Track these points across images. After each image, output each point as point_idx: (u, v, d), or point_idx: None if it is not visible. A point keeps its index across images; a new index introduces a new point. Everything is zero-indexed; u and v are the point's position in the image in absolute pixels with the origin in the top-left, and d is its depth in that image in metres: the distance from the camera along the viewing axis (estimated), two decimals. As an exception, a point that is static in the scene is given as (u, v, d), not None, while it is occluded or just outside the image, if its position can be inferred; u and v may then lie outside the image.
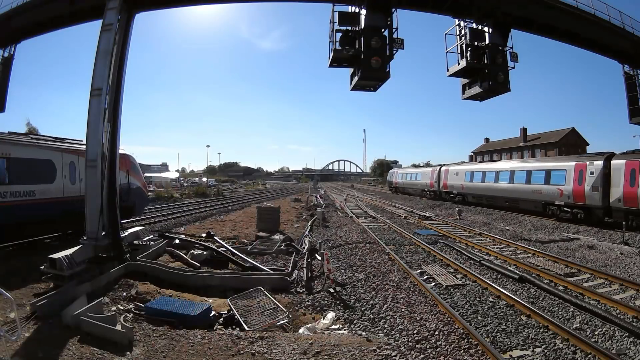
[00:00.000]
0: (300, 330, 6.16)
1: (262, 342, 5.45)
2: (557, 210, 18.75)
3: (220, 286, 8.14)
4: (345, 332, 6.14)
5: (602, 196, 15.88)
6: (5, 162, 9.69)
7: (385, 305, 7.18)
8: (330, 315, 6.74)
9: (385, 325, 6.32)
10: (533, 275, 8.95)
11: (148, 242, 10.73)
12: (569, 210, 17.89)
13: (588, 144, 49.21)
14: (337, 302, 7.46)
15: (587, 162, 17.11)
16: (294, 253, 11.32)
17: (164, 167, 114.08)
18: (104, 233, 8.77)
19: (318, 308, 7.21)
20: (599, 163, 16.41)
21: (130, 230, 10.88)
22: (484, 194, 25.60)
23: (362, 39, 8.60)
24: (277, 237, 13.64)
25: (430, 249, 12.27)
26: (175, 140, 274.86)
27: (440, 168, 33.82)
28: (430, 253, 11.85)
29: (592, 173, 16.58)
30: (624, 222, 13.49)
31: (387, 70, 8.73)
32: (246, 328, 6.07)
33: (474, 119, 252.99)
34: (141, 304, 6.83)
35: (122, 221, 11.73)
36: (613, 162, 15.77)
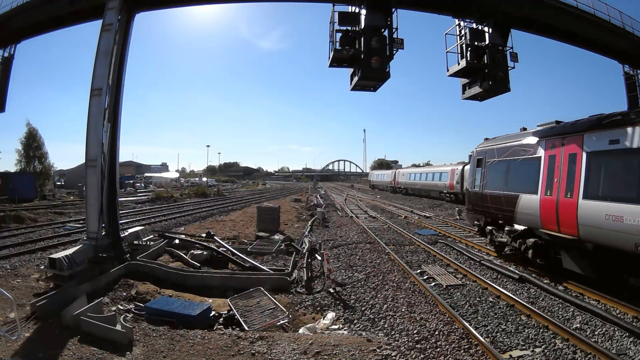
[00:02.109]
0: (300, 330, 6.16)
1: (262, 342, 5.45)
2: (444, 195, 33.09)
3: (220, 286, 8.14)
4: (345, 332, 6.14)
5: (461, 186, 26.97)
6: None
7: (385, 305, 7.18)
8: (330, 315, 6.74)
9: (385, 325, 6.32)
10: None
11: (148, 242, 10.73)
12: (449, 195, 31.91)
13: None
14: (337, 302, 7.46)
15: (455, 168, 30.92)
16: (294, 253, 11.33)
17: (164, 167, 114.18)
18: (104, 233, 8.78)
19: (318, 308, 7.21)
20: (459, 168, 29.57)
21: (130, 230, 10.90)
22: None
23: (362, 39, 8.59)
24: (277, 237, 13.64)
25: (430, 249, 12.27)
26: (175, 140, 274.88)
27: (464, 167, 28.73)
28: (430, 253, 11.86)
29: (456, 174, 29.94)
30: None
31: (387, 70, 8.72)
32: (246, 328, 6.07)
33: (474, 119, 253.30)
34: (141, 304, 6.83)
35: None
36: (465, 167, 23.14)
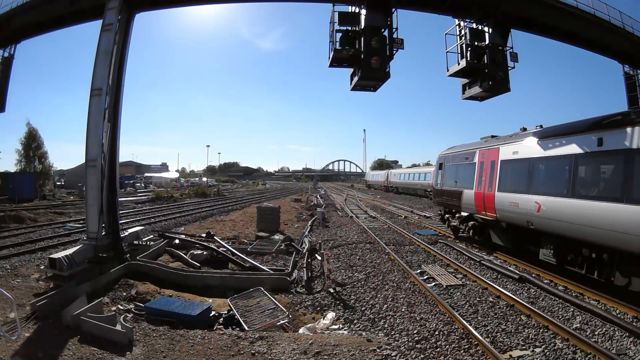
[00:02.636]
0: (300, 330, 6.17)
1: (262, 342, 5.45)
2: (428, 193, 34.38)
3: (220, 286, 8.13)
4: (345, 332, 6.14)
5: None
6: None
7: (385, 305, 7.18)
8: (330, 315, 6.74)
9: (385, 325, 6.33)
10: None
11: (148, 242, 10.73)
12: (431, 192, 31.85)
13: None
14: (337, 302, 7.46)
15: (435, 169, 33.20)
16: (294, 253, 11.32)
17: (164, 167, 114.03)
18: (104, 233, 8.78)
19: (318, 308, 7.21)
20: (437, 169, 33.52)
21: (130, 230, 10.89)
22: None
23: (362, 39, 8.58)
24: (277, 237, 13.64)
25: (430, 249, 12.28)
26: (175, 140, 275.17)
27: None
28: (430, 253, 11.86)
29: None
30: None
31: (387, 70, 8.71)
32: (246, 328, 6.07)
33: (474, 119, 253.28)
34: (141, 304, 6.83)
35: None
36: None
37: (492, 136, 12.47)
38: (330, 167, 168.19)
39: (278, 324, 6.30)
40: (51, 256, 7.67)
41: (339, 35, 8.79)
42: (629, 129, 6.93)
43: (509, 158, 10.56)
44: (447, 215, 15.11)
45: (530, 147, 9.71)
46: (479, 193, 11.89)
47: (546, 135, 9.36)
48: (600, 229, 7.14)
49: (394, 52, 8.65)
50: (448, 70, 10.33)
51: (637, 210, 6.42)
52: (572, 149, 8.20)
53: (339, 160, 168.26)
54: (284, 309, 6.72)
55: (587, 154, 7.87)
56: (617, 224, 6.77)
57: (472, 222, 12.52)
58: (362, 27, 8.62)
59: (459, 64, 9.95)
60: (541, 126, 10.08)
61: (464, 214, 13.11)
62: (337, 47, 8.77)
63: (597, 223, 7.20)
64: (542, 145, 9.29)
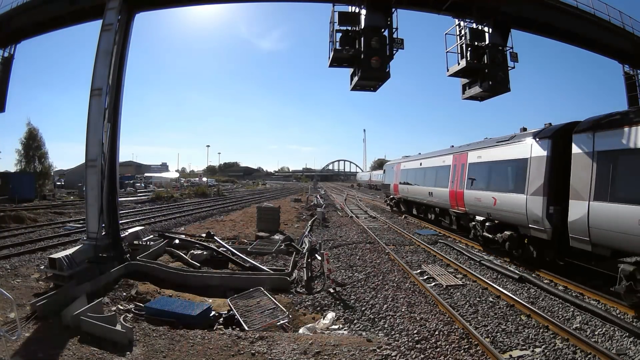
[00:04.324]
0: (300, 330, 6.16)
1: (262, 342, 5.45)
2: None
3: (220, 286, 8.13)
4: (345, 332, 6.14)
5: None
6: None
7: (385, 305, 7.18)
8: (330, 315, 6.73)
9: (385, 325, 6.32)
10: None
11: (148, 242, 10.73)
12: None
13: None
14: (337, 302, 7.46)
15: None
16: (294, 253, 11.33)
17: (164, 167, 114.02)
18: (104, 233, 8.78)
19: (318, 308, 7.21)
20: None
21: (130, 230, 10.89)
22: None
23: (362, 39, 8.58)
24: (277, 237, 13.64)
25: (430, 249, 12.27)
26: (175, 140, 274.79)
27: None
28: (430, 253, 11.86)
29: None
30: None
31: (387, 70, 8.71)
32: (246, 328, 6.07)
33: (474, 119, 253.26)
34: (141, 304, 6.83)
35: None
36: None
37: (460, 146, 15.11)
38: (331, 167, 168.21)
39: (278, 324, 6.30)
40: (51, 256, 7.67)
41: (339, 35, 8.79)
42: (503, 147, 11.22)
43: (475, 161, 12.90)
44: (391, 203, 24.88)
45: (488, 153, 12.25)
46: (452, 191, 14.22)
47: (492, 145, 12.03)
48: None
49: (394, 52, 8.65)
50: (448, 70, 10.33)
51: (524, 198, 9.44)
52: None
53: (339, 160, 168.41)
54: (284, 309, 6.72)
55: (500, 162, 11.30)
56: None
57: (448, 215, 15.32)
58: (362, 27, 8.62)
59: (459, 64, 9.94)
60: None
61: (437, 208, 16.80)
62: (337, 47, 8.77)
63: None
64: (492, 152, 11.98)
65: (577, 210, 7.60)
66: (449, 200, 14.52)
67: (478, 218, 12.09)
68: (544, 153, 9.04)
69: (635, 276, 6.26)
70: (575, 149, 7.96)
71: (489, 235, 11.27)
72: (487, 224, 11.48)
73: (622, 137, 6.87)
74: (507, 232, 10.35)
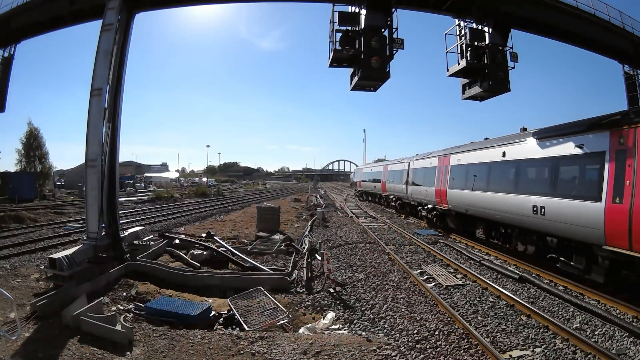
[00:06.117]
0: (300, 330, 6.16)
1: (262, 342, 5.45)
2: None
3: (220, 286, 8.13)
4: (345, 332, 6.14)
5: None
6: None
7: (385, 305, 7.18)
8: (330, 315, 6.73)
9: (385, 325, 6.32)
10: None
11: (148, 242, 10.73)
12: None
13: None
14: (337, 302, 7.46)
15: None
16: (294, 253, 11.32)
17: (164, 167, 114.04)
18: (104, 233, 8.77)
19: (318, 308, 7.20)
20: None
21: (130, 230, 10.89)
22: None
23: (362, 39, 8.57)
24: (277, 237, 13.64)
25: (430, 249, 12.27)
26: (175, 140, 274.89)
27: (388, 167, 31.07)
28: (430, 253, 11.86)
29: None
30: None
31: (387, 70, 8.70)
32: (246, 328, 6.07)
33: (474, 119, 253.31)
34: (141, 304, 6.82)
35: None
36: (390, 167, 28.03)
37: (445, 149, 16.35)
38: (331, 167, 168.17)
39: (278, 324, 6.30)
40: (51, 256, 7.66)
41: (339, 35, 8.78)
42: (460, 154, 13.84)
43: (456, 164, 14.35)
44: (363, 196, 32.96)
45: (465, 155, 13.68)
46: (437, 190, 15.67)
47: (472, 149, 13.45)
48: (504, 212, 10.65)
49: (394, 52, 8.64)
50: (448, 70, 10.33)
51: (515, 198, 10.01)
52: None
53: (339, 160, 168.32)
54: (284, 309, 6.72)
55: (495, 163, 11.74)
56: (510, 208, 10.29)
57: (435, 212, 16.43)
58: (362, 27, 8.61)
59: (459, 64, 9.94)
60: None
61: (421, 203, 18.31)
62: (337, 47, 8.76)
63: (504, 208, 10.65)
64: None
65: None
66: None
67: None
68: None
69: None
70: None
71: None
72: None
73: None
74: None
